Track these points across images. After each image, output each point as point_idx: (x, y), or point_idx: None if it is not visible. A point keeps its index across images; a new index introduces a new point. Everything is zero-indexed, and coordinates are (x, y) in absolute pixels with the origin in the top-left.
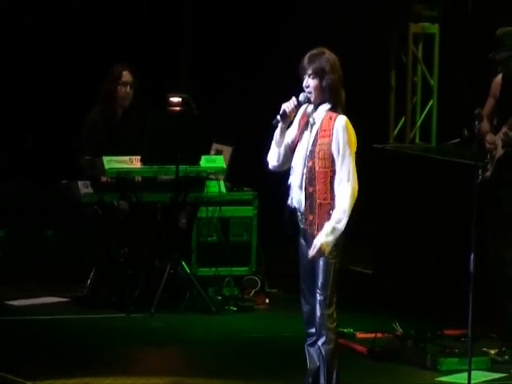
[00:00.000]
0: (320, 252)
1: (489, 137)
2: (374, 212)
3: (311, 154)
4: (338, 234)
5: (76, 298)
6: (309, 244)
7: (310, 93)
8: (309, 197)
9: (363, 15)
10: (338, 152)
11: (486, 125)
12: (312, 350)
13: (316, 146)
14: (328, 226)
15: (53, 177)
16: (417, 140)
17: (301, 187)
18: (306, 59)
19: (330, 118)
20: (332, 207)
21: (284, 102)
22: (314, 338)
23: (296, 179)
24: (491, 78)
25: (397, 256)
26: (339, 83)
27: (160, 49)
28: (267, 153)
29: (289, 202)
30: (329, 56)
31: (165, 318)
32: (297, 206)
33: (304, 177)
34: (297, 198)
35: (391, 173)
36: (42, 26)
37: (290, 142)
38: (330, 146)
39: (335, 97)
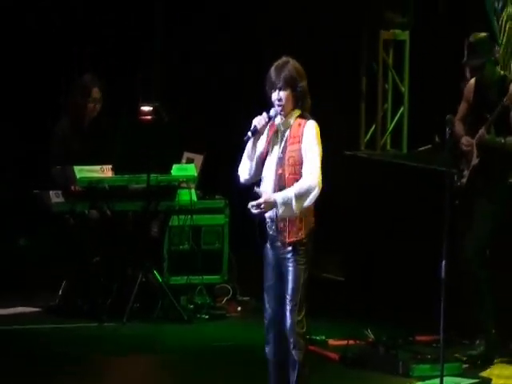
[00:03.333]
0: (264, 205)
1: (464, 139)
2: (345, 219)
3: (281, 162)
4: (281, 203)
5: (48, 308)
6: (276, 251)
7: (282, 106)
8: None
9: (333, 22)
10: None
11: (460, 128)
12: (274, 362)
13: (286, 153)
14: (285, 192)
15: (24, 186)
16: (388, 147)
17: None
18: (273, 72)
19: (299, 125)
20: (301, 214)
21: (256, 117)
22: (273, 347)
23: (267, 188)
24: (461, 85)
25: (369, 263)
26: (307, 89)
27: (132, 58)
28: (238, 161)
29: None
30: (294, 63)
31: (137, 327)
32: (268, 216)
33: (274, 184)
34: None
35: (362, 180)
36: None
37: (259, 153)
38: (300, 151)
39: (304, 103)
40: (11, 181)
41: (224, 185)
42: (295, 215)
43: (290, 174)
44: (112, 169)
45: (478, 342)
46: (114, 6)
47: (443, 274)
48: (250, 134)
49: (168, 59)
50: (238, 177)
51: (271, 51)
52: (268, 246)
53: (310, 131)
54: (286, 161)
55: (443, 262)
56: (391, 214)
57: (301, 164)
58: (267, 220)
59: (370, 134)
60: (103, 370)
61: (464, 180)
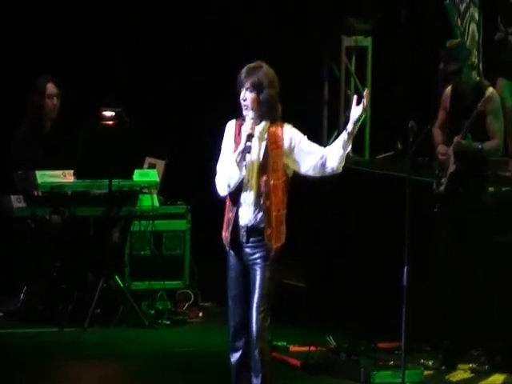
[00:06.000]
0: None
1: (441, 148)
2: (307, 225)
3: (264, 169)
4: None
5: (8, 312)
6: (244, 258)
7: (247, 106)
8: (266, 211)
9: (295, 28)
10: (295, 146)
11: (438, 136)
12: (239, 369)
13: (268, 159)
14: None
15: None
16: (350, 153)
17: (256, 204)
18: (243, 73)
19: (276, 130)
20: (283, 217)
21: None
22: (239, 354)
23: (250, 197)
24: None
25: (330, 269)
26: (276, 97)
27: (94, 62)
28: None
29: (233, 221)
30: (266, 70)
31: (98, 332)
32: (247, 222)
33: (259, 192)
34: (249, 215)
35: (324, 185)
36: None
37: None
38: (283, 156)
39: (273, 111)
40: None
41: (186, 190)
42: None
43: (274, 180)
44: (74, 174)
45: (441, 348)
46: (75, 9)
47: (405, 280)
48: (249, 143)
49: (130, 64)
50: (215, 191)
51: (234, 57)
52: (233, 253)
53: (293, 131)
54: (270, 167)
55: (405, 269)
56: (353, 220)
57: (283, 169)
58: (244, 227)
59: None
60: (64, 376)
61: (442, 188)
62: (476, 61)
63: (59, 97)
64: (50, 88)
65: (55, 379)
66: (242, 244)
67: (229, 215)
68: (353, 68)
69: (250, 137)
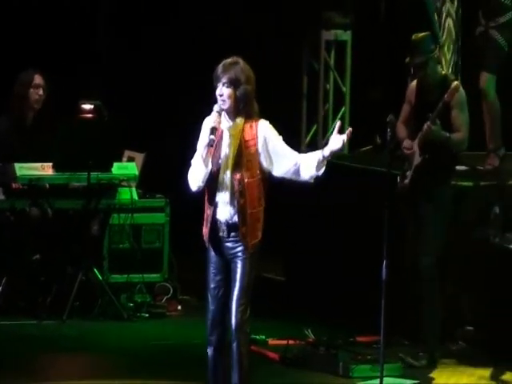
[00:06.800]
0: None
1: (406, 143)
2: (286, 219)
3: (238, 167)
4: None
5: None
6: (225, 252)
7: (223, 101)
8: (241, 210)
9: (275, 22)
10: (268, 145)
11: (402, 131)
12: (216, 362)
13: (242, 157)
14: None
15: None
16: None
17: (231, 202)
18: (220, 68)
19: (251, 127)
20: (259, 214)
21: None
22: (216, 348)
23: (225, 195)
24: (404, 85)
25: (310, 263)
26: (252, 94)
27: (72, 56)
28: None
29: (211, 218)
30: (243, 66)
31: (77, 325)
32: (223, 220)
33: (234, 190)
34: (226, 213)
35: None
36: None
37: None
38: (258, 153)
39: (249, 107)
40: None
41: (165, 184)
42: None
43: (248, 178)
44: (52, 166)
45: (420, 354)
46: (55, 2)
47: (384, 274)
48: (212, 136)
49: (109, 57)
50: (188, 187)
51: (214, 50)
52: (213, 249)
53: (267, 128)
54: (244, 165)
55: (384, 263)
56: (332, 213)
57: (257, 166)
58: (222, 224)
59: (311, 135)
60: (42, 368)
61: (407, 181)
62: (450, 55)
63: (45, 89)
64: (38, 79)
65: (33, 372)
66: (222, 239)
67: (207, 212)
68: (332, 62)
69: (213, 130)
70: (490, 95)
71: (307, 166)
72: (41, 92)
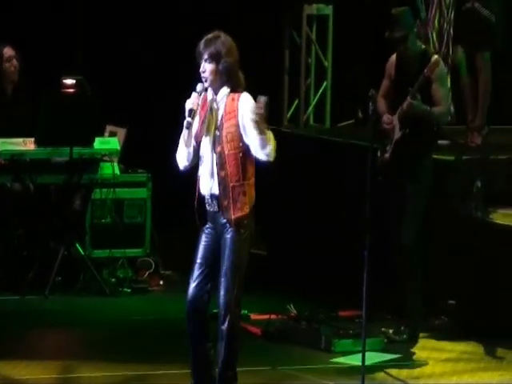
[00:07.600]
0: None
1: (385, 117)
2: (268, 193)
3: (219, 139)
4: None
5: None
6: (216, 228)
7: (206, 78)
8: (221, 182)
9: None
10: (245, 124)
11: (382, 106)
12: (195, 337)
13: (223, 130)
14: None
15: None
16: (311, 122)
17: (212, 175)
18: (201, 44)
19: (233, 99)
20: (245, 188)
21: (186, 101)
22: (196, 322)
23: (206, 168)
24: (386, 59)
25: (292, 237)
26: (236, 66)
27: (54, 31)
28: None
29: (198, 193)
30: (224, 39)
31: (59, 300)
32: (206, 193)
33: (214, 163)
34: (208, 186)
35: (286, 154)
36: None
37: (194, 135)
38: (238, 126)
39: (233, 79)
40: None
41: (147, 159)
42: None
43: (229, 151)
44: (34, 142)
45: (402, 328)
46: None
47: (366, 249)
48: (189, 119)
49: (91, 32)
50: (176, 166)
51: (196, 26)
52: (202, 223)
53: (246, 102)
54: (224, 137)
55: (366, 238)
56: (314, 188)
57: (239, 139)
58: (207, 198)
59: (292, 109)
60: (24, 344)
61: (387, 155)
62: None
63: (18, 59)
64: (8, 51)
65: (15, 347)
66: (208, 213)
67: (196, 186)
68: (314, 36)
69: (190, 112)
70: (462, 69)
71: (254, 147)
72: (14, 62)
